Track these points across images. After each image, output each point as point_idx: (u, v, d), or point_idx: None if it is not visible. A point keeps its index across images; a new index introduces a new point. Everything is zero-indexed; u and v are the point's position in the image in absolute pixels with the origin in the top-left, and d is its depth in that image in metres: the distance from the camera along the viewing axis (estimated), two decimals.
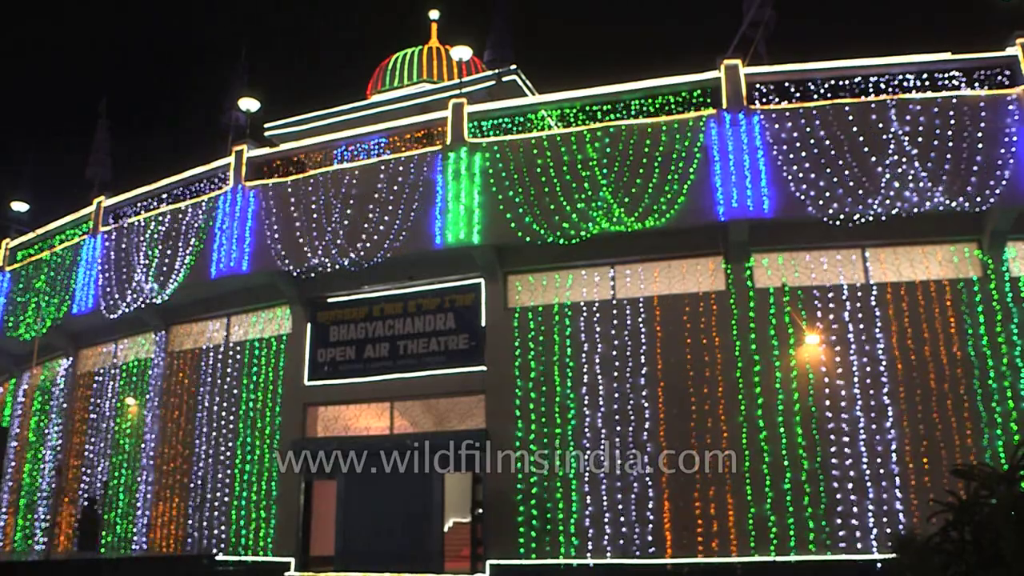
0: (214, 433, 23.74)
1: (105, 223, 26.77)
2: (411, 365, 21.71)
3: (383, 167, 21.85)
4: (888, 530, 17.56)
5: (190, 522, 23.38)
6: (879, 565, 17.28)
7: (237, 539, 22.54)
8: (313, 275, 22.31)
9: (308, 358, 22.92)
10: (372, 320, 22.47)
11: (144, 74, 77.11)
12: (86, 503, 23.54)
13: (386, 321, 22.31)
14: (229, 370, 24.05)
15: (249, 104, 26.67)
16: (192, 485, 23.70)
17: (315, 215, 22.18)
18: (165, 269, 24.07)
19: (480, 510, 20.38)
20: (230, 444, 23.37)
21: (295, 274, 22.28)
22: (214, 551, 22.36)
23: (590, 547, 18.98)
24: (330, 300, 23.14)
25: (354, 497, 21.35)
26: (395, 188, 21.50)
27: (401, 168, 21.63)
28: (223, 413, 23.74)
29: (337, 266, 21.68)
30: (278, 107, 35.76)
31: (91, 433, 26.84)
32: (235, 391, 23.74)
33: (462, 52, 25.46)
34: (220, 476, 23.29)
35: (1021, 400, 18.05)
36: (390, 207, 21.40)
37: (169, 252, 24.20)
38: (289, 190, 22.77)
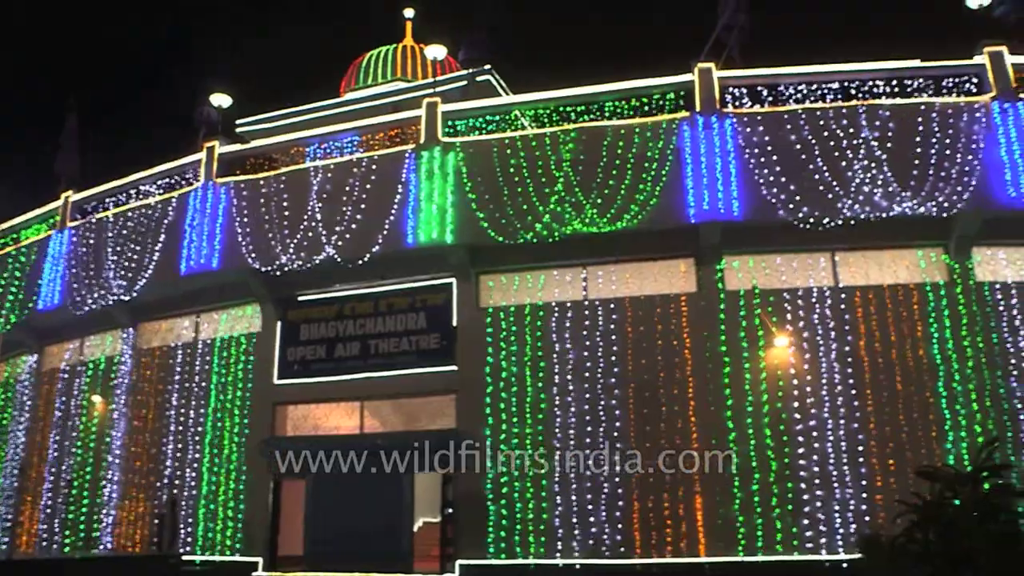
0: (182, 431, 23.49)
1: (73, 218, 26.39)
2: (382, 364, 21.60)
3: (356, 165, 21.73)
4: (854, 529, 17.75)
5: (156, 521, 23.08)
6: (846, 565, 17.45)
7: (204, 538, 22.31)
8: (284, 273, 22.09)
9: (278, 357, 22.71)
10: (343, 319, 22.33)
11: (117, 69, 76.12)
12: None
13: (357, 320, 22.18)
14: (198, 368, 23.78)
15: (221, 100, 26.40)
16: (159, 484, 23.43)
17: (286, 213, 22.01)
18: (134, 265, 23.77)
19: (450, 510, 20.33)
20: (198, 443, 23.12)
21: (265, 272, 22.08)
22: (181, 550, 22.10)
23: (559, 547, 18.99)
24: (300, 298, 22.96)
25: (323, 497, 21.20)
26: (368, 186, 21.39)
27: (374, 167, 21.52)
28: (191, 411, 23.47)
29: (308, 264, 21.52)
30: (250, 103, 35.35)
31: (56, 431, 26.44)
32: (204, 389, 23.49)
33: (436, 51, 25.40)
34: (188, 475, 23.04)
35: (985, 403, 18.33)
36: (362, 205, 21.28)
37: (138, 248, 23.90)
38: (260, 187, 22.57)
